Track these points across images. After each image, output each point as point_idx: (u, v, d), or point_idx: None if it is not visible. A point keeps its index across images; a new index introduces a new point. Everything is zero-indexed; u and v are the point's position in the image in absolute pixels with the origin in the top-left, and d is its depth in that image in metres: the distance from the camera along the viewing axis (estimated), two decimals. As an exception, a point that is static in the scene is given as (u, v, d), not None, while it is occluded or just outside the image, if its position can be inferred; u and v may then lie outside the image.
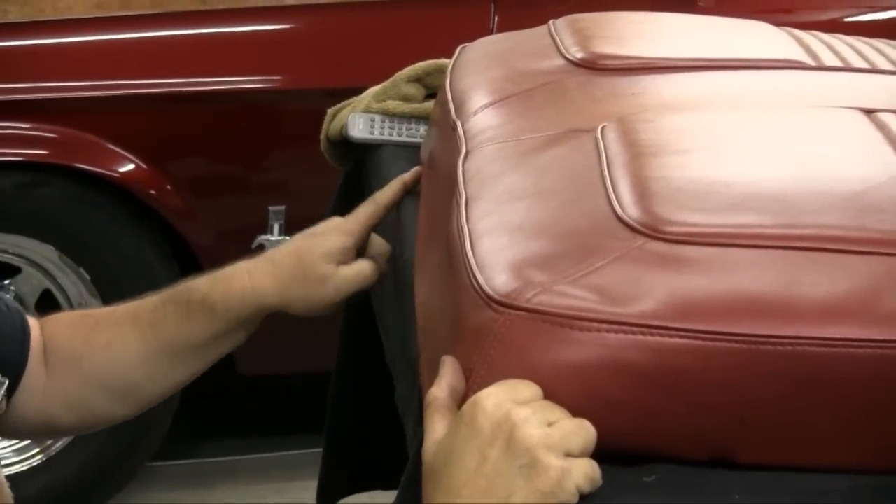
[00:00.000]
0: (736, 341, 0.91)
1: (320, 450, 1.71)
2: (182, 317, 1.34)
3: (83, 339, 1.35)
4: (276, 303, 1.33)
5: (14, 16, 2.86)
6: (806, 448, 0.93)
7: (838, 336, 0.91)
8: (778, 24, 1.52)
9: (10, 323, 1.32)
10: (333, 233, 1.36)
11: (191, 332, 1.33)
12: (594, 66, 1.31)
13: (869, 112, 1.16)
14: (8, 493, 1.29)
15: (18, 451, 2.76)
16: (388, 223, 1.40)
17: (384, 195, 1.39)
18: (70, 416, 1.36)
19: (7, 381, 1.28)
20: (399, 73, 1.64)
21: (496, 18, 2.79)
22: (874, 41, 1.45)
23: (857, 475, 0.93)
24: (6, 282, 2.75)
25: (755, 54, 1.33)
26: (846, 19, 2.98)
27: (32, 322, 1.36)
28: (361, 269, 1.35)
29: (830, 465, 0.94)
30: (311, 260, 1.33)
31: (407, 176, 1.40)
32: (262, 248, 2.68)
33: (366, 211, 1.38)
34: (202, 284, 1.35)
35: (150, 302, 1.36)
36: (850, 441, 0.93)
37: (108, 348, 1.34)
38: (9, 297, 1.37)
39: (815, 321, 0.92)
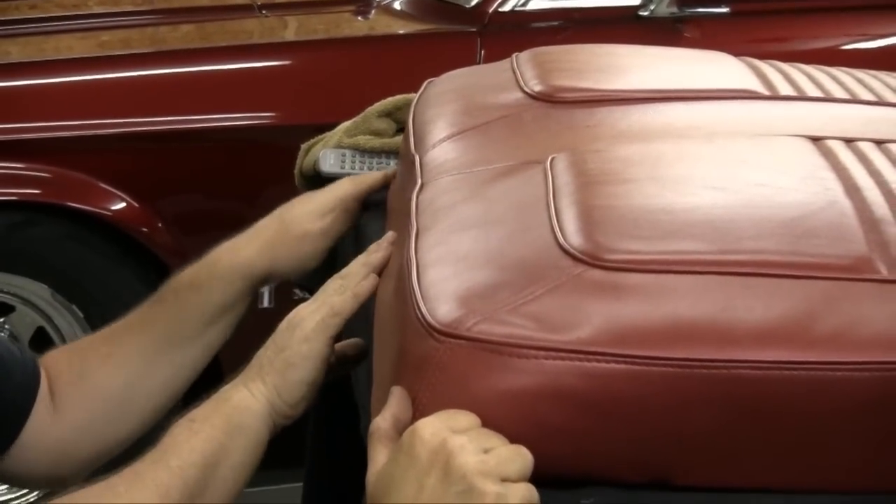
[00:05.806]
0: (672, 366, 0.93)
1: (299, 485, 1.72)
2: (172, 308, 1.35)
3: (80, 357, 1.36)
4: (265, 266, 1.36)
5: (16, 56, 2.89)
6: (743, 469, 0.95)
7: (773, 359, 0.93)
8: (759, 55, 1.52)
9: (21, 370, 1.32)
10: (311, 197, 1.41)
11: (182, 320, 1.35)
12: (551, 98, 1.32)
13: (816, 139, 1.18)
14: None
15: (13, 488, 2.77)
16: (350, 252, 1.41)
17: (366, 179, 1.42)
18: (81, 441, 1.35)
19: None
20: (370, 108, 1.66)
21: (482, 53, 2.82)
22: (833, 70, 1.47)
23: (794, 495, 0.95)
24: (0, 320, 2.78)
25: (710, 85, 1.35)
26: (835, 48, 3.00)
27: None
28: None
29: (767, 486, 0.96)
30: (291, 217, 1.38)
31: (390, 171, 1.43)
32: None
33: (343, 186, 1.42)
34: (187, 272, 1.37)
35: (139, 309, 1.38)
36: (787, 462, 0.95)
37: (106, 359, 1.35)
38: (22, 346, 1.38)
39: (750, 345, 0.93)
